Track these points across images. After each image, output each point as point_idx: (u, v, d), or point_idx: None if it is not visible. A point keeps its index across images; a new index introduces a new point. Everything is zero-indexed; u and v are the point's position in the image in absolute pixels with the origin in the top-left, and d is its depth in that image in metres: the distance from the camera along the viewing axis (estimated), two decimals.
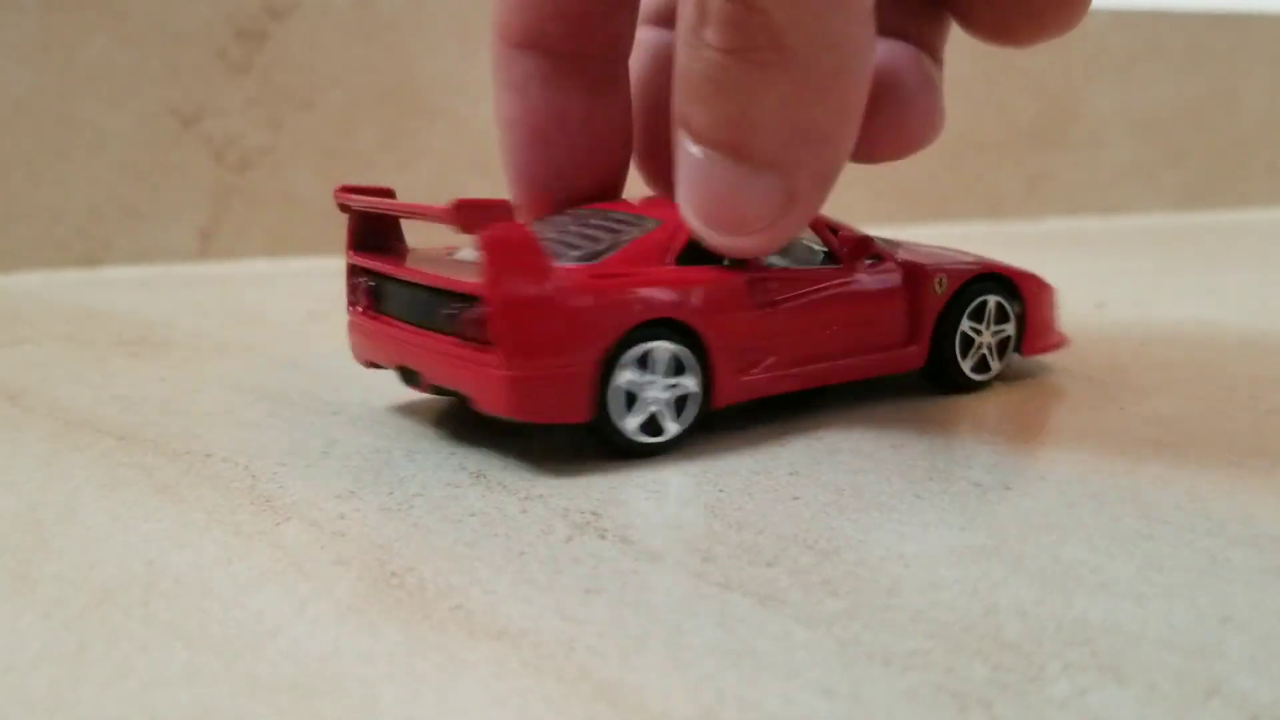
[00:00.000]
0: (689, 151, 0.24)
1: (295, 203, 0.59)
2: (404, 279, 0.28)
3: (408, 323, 0.29)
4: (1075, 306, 0.47)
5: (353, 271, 0.31)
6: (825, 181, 0.25)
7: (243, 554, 0.22)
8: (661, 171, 0.31)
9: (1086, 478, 0.26)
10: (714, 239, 0.25)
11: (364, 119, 0.60)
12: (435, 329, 0.27)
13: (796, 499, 0.25)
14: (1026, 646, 0.18)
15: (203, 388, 0.34)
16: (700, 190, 0.24)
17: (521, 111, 0.30)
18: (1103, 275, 0.56)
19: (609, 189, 0.31)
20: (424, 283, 0.28)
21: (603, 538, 0.22)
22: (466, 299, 0.26)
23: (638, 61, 0.31)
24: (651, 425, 0.27)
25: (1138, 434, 0.29)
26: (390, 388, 0.33)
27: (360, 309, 0.30)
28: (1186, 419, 0.31)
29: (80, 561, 0.21)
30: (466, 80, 0.62)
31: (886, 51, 0.28)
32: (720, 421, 0.30)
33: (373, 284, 0.30)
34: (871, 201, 0.72)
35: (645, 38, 0.31)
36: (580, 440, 0.28)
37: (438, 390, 0.28)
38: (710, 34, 0.23)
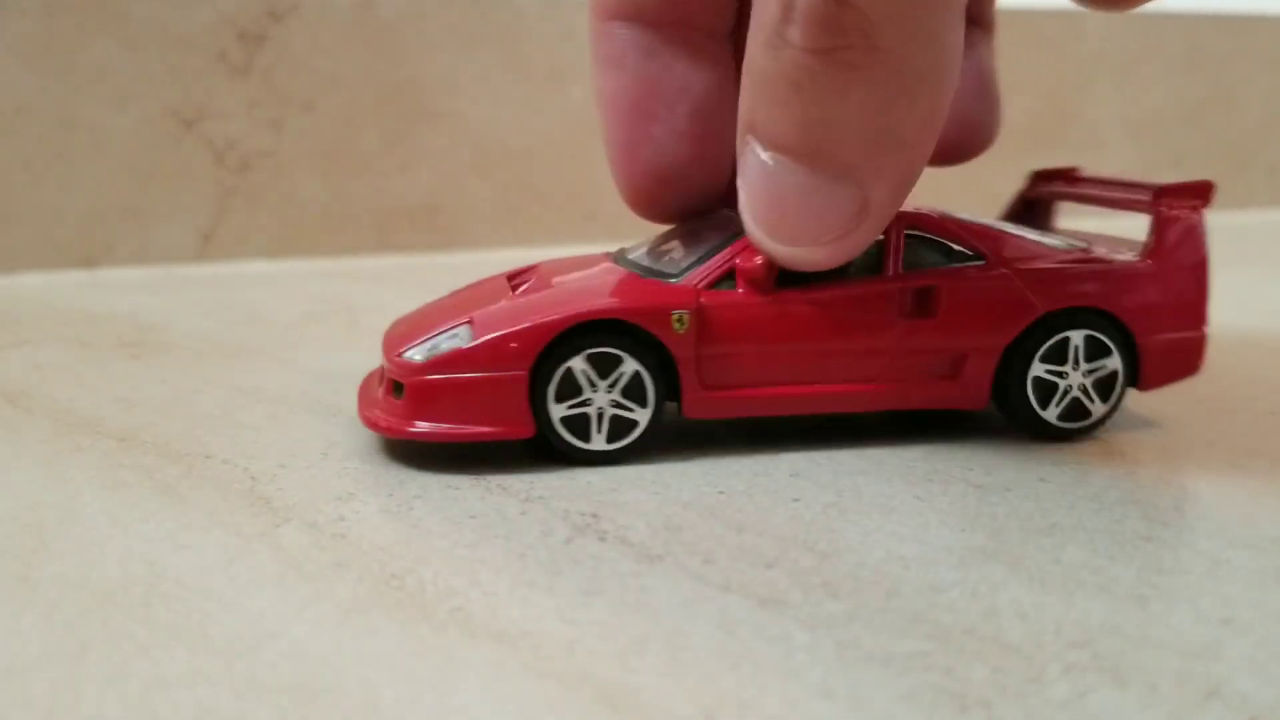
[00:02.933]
0: (758, 158, 0.23)
1: (296, 205, 0.59)
2: None
3: None
4: None
5: None
6: (902, 190, 0.23)
7: (243, 555, 0.22)
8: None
9: (1087, 479, 0.26)
10: (779, 251, 0.24)
11: (365, 121, 0.60)
12: None
13: (796, 501, 0.25)
14: (1027, 648, 0.18)
15: (203, 389, 0.34)
16: (767, 199, 0.23)
17: (620, 85, 0.29)
18: None
19: (716, 170, 0.29)
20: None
21: (603, 539, 0.22)
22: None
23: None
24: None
25: (1138, 436, 0.29)
26: None
27: None
28: (1186, 420, 0.31)
29: (81, 563, 0.21)
30: (467, 82, 0.62)
31: None
32: (720, 423, 0.30)
33: None
34: None
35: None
36: None
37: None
38: (796, 33, 0.21)
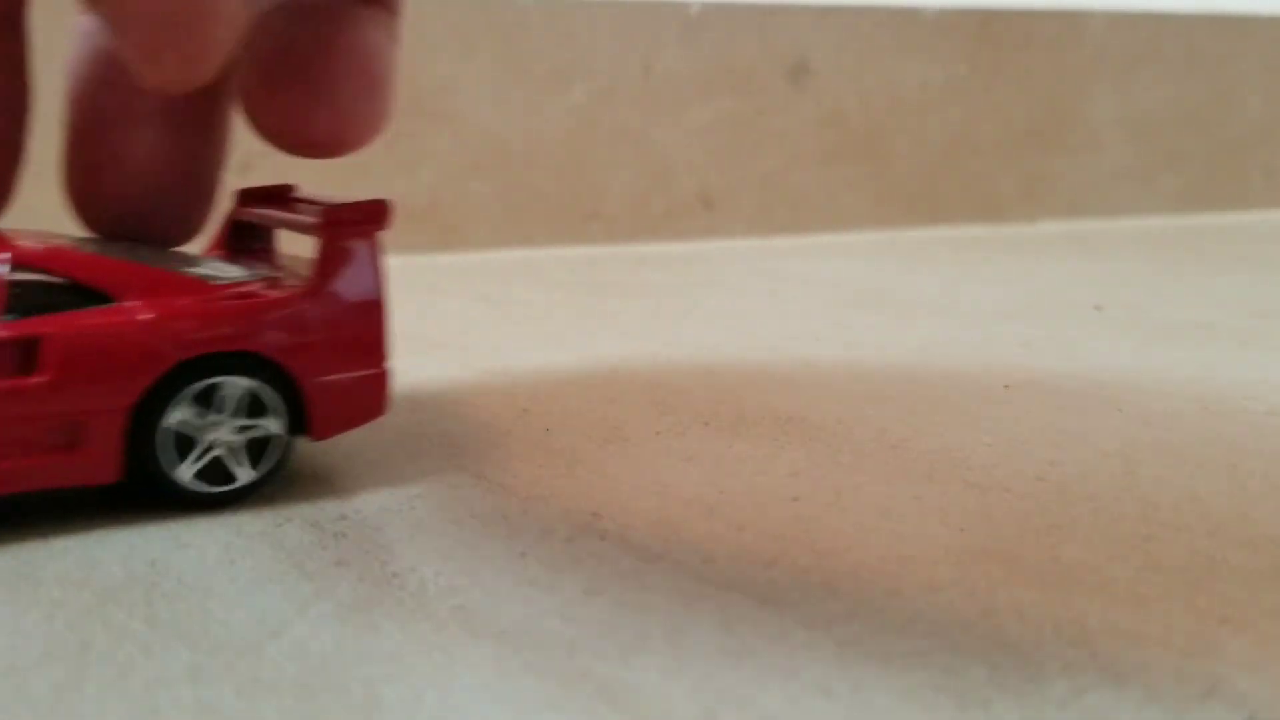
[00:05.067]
0: None
1: None
2: None
3: None
4: (1073, 309, 0.47)
5: None
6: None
7: (245, 554, 0.22)
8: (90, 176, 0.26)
9: (1085, 479, 0.26)
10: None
11: None
12: None
13: (796, 500, 0.25)
14: (1025, 647, 0.18)
15: None
16: None
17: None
18: (1100, 277, 0.56)
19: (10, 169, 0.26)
20: None
21: (603, 538, 0.22)
22: None
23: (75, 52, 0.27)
24: None
25: (1136, 435, 0.29)
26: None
27: None
28: (1185, 420, 0.31)
29: (82, 561, 0.21)
30: (467, 82, 0.62)
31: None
32: (720, 423, 0.30)
33: None
34: (868, 204, 0.72)
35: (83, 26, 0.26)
36: (580, 442, 0.28)
37: None
38: None
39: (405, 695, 0.17)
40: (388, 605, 0.20)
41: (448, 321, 0.44)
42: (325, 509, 0.24)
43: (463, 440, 0.29)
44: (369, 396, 0.26)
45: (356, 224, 0.26)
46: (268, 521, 0.23)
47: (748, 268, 0.57)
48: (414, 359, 0.37)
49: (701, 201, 0.69)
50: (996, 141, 0.76)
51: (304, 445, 0.28)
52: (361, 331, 0.26)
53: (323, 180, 0.62)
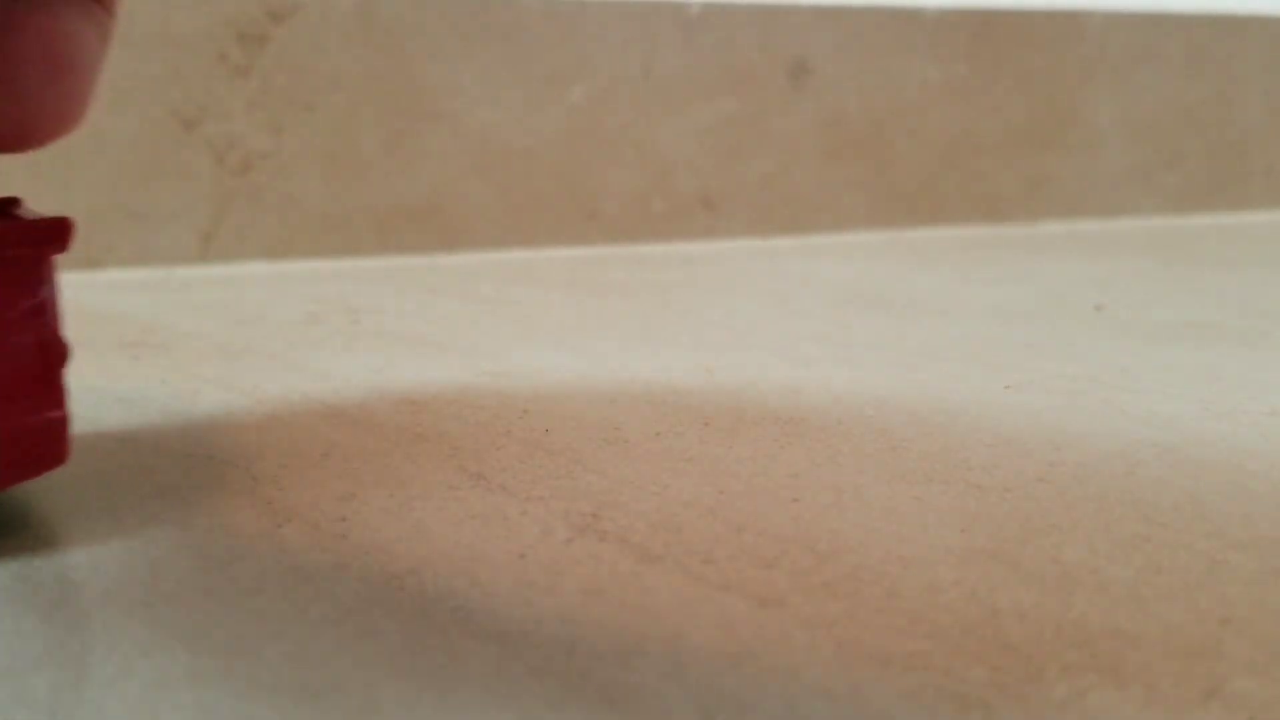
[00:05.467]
0: None
1: (296, 206, 0.59)
2: None
3: None
4: (1073, 309, 0.47)
5: None
6: None
7: (244, 556, 0.22)
8: None
9: (1086, 480, 0.26)
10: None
11: (365, 122, 0.60)
12: None
13: (796, 501, 0.25)
14: (1026, 648, 0.18)
15: (203, 390, 0.34)
16: None
17: None
18: (1101, 277, 0.56)
19: None
20: None
21: (603, 540, 0.22)
22: None
23: None
24: None
25: (1137, 435, 0.29)
26: (391, 390, 0.33)
27: None
28: (1185, 420, 0.31)
29: (81, 563, 0.21)
30: (467, 82, 0.62)
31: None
32: (720, 424, 0.30)
33: None
34: (868, 204, 0.72)
35: None
36: (580, 442, 0.28)
37: None
38: None
39: (404, 698, 0.17)
40: (387, 607, 0.20)
41: (448, 321, 0.44)
42: (324, 510, 0.24)
43: (463, 440, 0.29)
44: (41, 445, 0.22)
45: (25, 246, 0.22)
46: (267, 523, 0.23)
47: (748, 268, 0.57)
48: (414, 359, 0.37)
49: (701, 202, 0.69)
50: (996, 141, 0.76)
51: (307, 444, 0.28)
52: (28, 372, 0.22)
53: (325, 179, 0.62)
